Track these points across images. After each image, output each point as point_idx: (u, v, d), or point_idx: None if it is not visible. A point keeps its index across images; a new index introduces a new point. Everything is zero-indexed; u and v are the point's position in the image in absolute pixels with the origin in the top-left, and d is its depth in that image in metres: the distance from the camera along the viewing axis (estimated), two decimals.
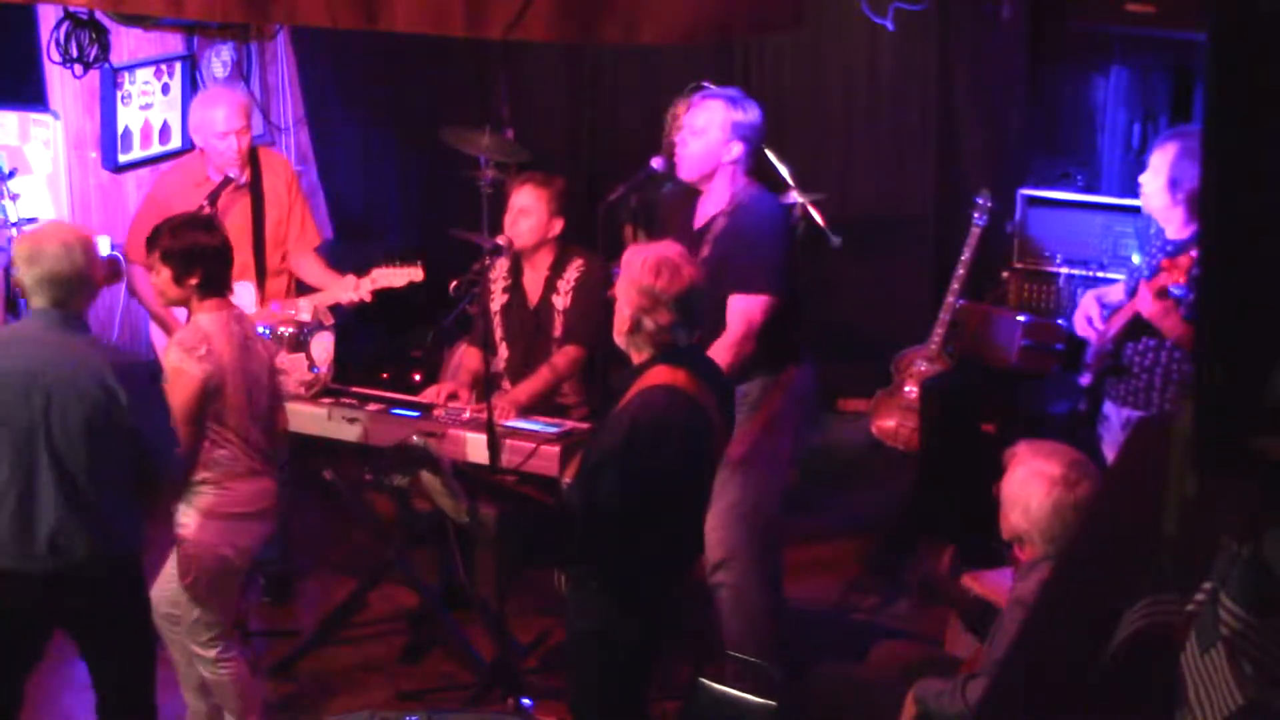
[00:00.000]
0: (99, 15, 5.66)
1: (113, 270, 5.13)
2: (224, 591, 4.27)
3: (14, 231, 5.33)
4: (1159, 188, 4.29)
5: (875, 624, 5.27)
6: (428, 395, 5.08)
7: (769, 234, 4.42)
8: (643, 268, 3.52)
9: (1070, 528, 3.43)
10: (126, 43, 6.26)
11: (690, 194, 4.63)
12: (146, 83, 6.31)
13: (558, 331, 5.04)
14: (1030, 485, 3.53)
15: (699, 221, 4.52)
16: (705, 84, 5.80)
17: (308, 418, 4.91)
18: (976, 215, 6.16)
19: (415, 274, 5.18)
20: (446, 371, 5.56)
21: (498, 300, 5.16)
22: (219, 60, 6.89)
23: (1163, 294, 4.12)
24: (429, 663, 5.08)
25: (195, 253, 4.08)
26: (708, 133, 4.42)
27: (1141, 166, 4.41)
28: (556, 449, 4.56)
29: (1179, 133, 4.45)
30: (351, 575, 5.45)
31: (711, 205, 4.51)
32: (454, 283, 4.91)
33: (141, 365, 3.86)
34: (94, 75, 5.95)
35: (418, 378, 6.20)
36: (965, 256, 6.16)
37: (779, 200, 4.73)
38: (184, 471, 4.07)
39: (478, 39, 4.33)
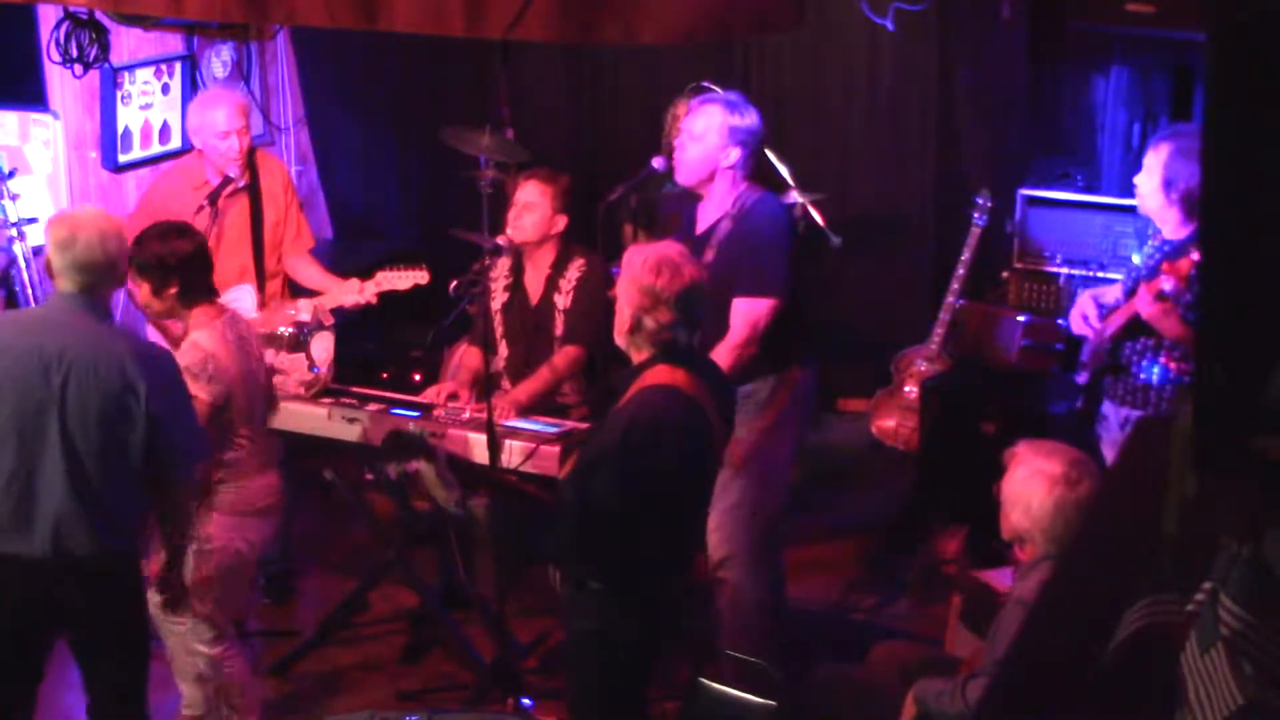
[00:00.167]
0: (99, 15, 5.66)
1: None
2: (236, 588, 4.32)
3: (14, 231, 5.34)
4: (1154, 188, 4.29)
5: (875, 624, 5.27)
6: (428, 395, 5.08)
7: (773, 237, 4.43)
8: (644, 267, 3.52)
9: (1072, 526, 3.43)
10: (126, 43, 6.26)
11: (690, 195, 4.63)
12: (146, 83, 6.31)
13: (559, 330, 5.04)
14: (1031, 484, 3.53)
15: (701, 225, 4.51)
16: (705, 84, 5.80)
17: (308, 418, 4.91)
18: (976, 215, 6.16)
19: (420, 276, 5.18)
20: (446, 371, 5.56)
21: (499, 298, 5.16)
22: (219, 60, 6.89)
23: (1162, 296, 4.12)
24: (429, 663, 5.08)
25: (169, 263, 4.07)
26: (705, 138, 4.42)
27: (1141, 167, 4.40)
28: (556, 449, 4.56)
29: (1173, 132, 4.45)
30: (351, 575, 5.45)
31: (714, 210, 4.51)
32: (454, 283, 4.91)
33: (165, 355, 3.85)
34: (94, 75, 5.96)
35: (418, 378, 6.20)
36: (965, 256, 6.16)
37: (782, 202, 4.73)
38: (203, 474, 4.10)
39: (478, 39, 4.33)
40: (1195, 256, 4.12)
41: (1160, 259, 4.27)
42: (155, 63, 6.37)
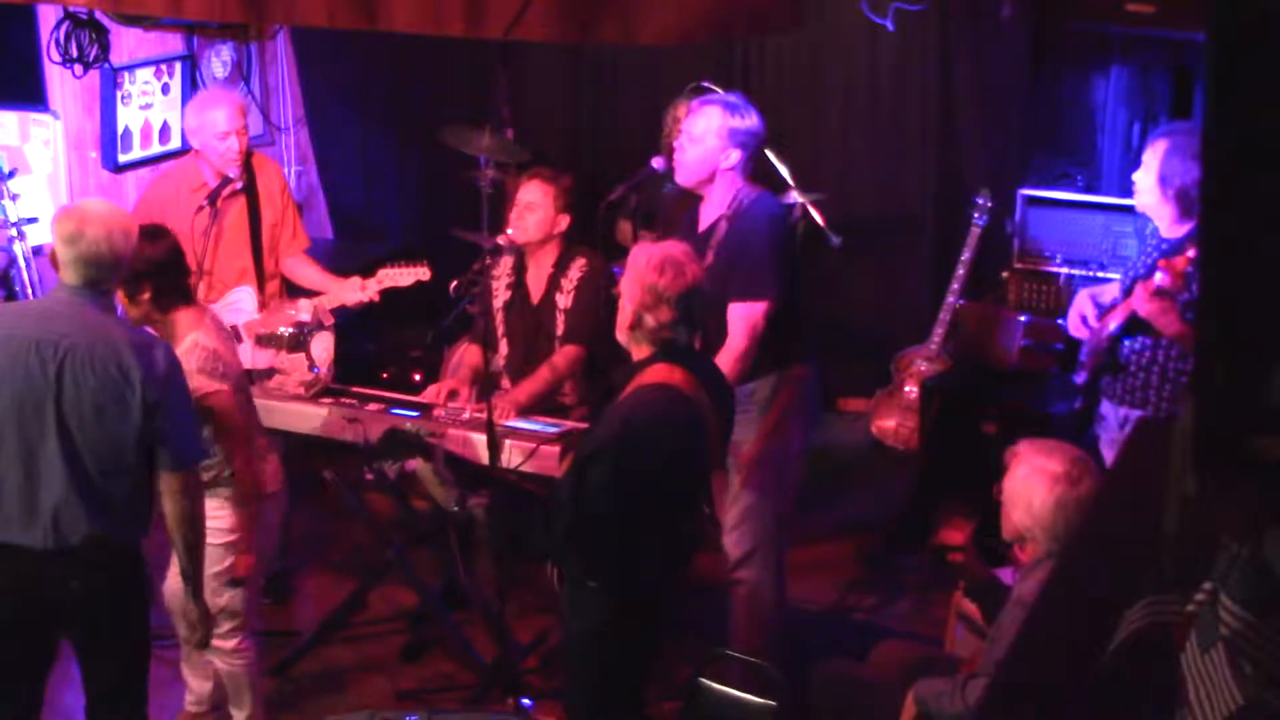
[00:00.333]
0: (99, 15, 5.67)
1: None
2: (254, 578, 4.32)
3: (14, 231, 5.34)
4: (1150, 185, 4.30)
5: (875, 624, 5.27)
6: (428, 394, 5.08)
7: (766, 237, 4.42)
8: (648, 265, 3.54)
9: (1073, 524, 3.43)
10: (126, 43, 6.26)
11: (692, 194, 4.63)
12: (146, 83, 6.31)
13: (559, 329, 5.04)
14: (1032, 483, 3.53)
15: (702, 225, 4.52)
16: (705, 84, 5.81)
17: (308, 418, 4.91)
18: (976, 215, 6.16)
19: (422, 273, 5.18)
20: (447, 371, 5.56)
21: (500, 296, 5.16)
22: (219, 60, 6.90)
23: (1159, 293, 4.12)
24: (429, 663, 5.08)
25: (140, 269, 4.02)
26: (705, 139, 4.42)
27: (1140, 165, 4.41)
28: (556, 449, 4.56)
29: (1168, 130, 4.45)
30: (351, 575, 5.45)
31: (713, 210, 4.51)
32: (454, 283, 4.92)
33: (164, 346, 3.84)
34: (94, 75, 5.96)
35: (418, 378, 6.20)
36: (965, 256, 6.16)
37: (779, 201, 4.73)
38: (244, 469, 4.15)
39: (478, 39, 4.33)
40: (1191, 253, 4.12)
41: (1157, 257, 4.27)
42: (155, 63, 6.37)
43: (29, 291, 5.36)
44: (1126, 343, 4.36)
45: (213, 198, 5.14)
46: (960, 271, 6.15)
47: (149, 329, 4.14)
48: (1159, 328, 4.19)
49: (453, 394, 5.01)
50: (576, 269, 5.05)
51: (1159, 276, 4.13)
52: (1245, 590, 1.63)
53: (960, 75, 6.60)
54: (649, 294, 3.52)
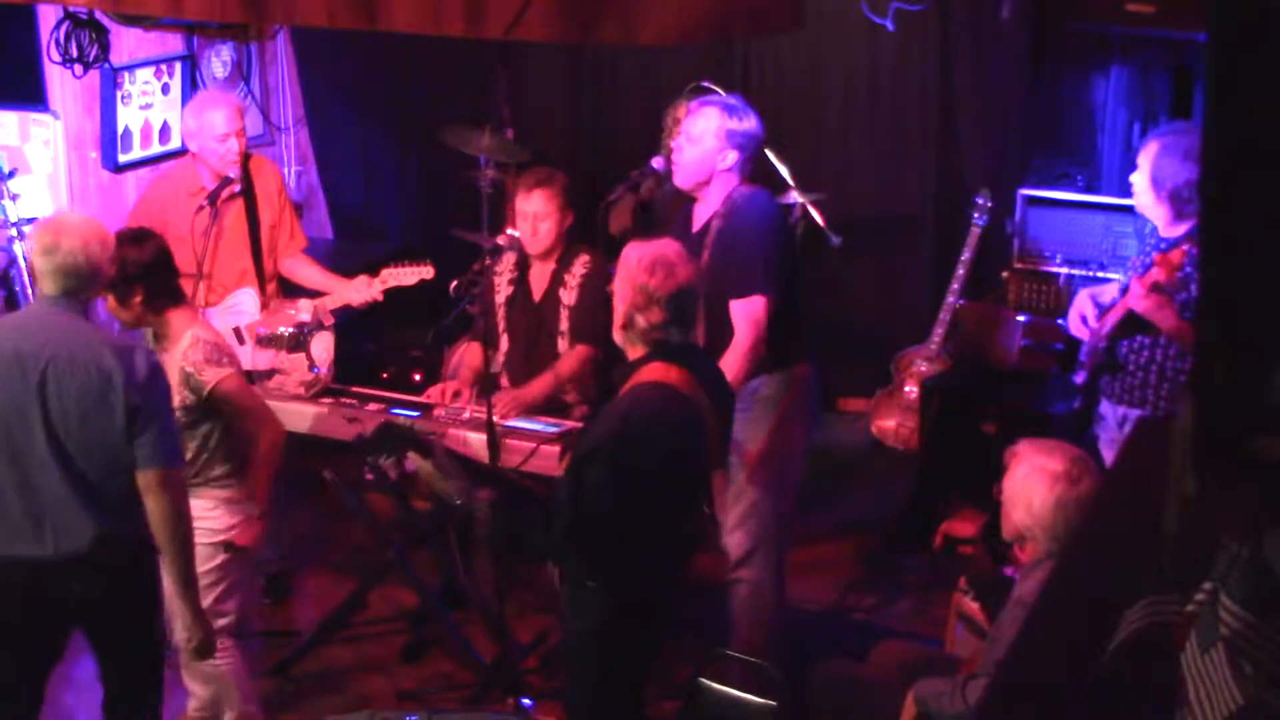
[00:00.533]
0: (99, 15, 5.67)
1: None
2: (247, 580, 4.34)
3: (14, 231, 5.34)
4: (1144, 186, 4.31)
5: (875, 624, 5.27)
6: (431, 394, 5.08)
7: (759, 232, 4.41)
8: (638, 265, 3.53)
9: (1073, 523, 3.43)
10: (126, 43, 6.26)
11: (687, 195, 4.62)
12: (146, 83, 6.31)
13: (563, 326, 5.04)
14: (1032, 482, 3.53)
15: (696, 225, 4.51)
16: (705, 84, 5.80)
17: (308, 418, 4.91)
18: (976, 215, 6.16)
19: (426, 272, 5.18)
20: (447, 370, 5.56)
21: (503, 293, 5.16)
22: (219, 60, 6.90)
23: (1155, 288, 4.13)
24: (429, 663, 5.08)
25: (130, 271, 4.08)
26: (702, 141, 4.42)
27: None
28: (556, 449, 4.56)
29: (1161, 132, 4.46)
30: (351, 575, 5.45)
31: (707, 210, 4.51)
32: (454, 283, 4.92)
33: (145, 350, 3.85)
34: (94, 75, 5.96)
35: (418, 378, 6.20)
36: (965, 256, 6.16)
37: (773, 197, 4.72)
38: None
39: (478, 39, 4.33)
40: (1186, 248, 4.13)
41: (1154, 254, 4.28)
42: (155, 63, 6.37)
43: (29, 292, 5.36)
44: (1125, 342, 4.36)
45: (213, 198, 5.14)
46: (960, 271, 6.15)
47: (139, 332, 4.17)
48: (1156, 323, 4.20)
49: (455, 395, 5.01)
50: (580, 265, 5.05)
51: (1154, 272, 4.13)
52: (1245, 590, 1.63)
53: (960, 75, 6.60)
54: (640, 294, 3.51)
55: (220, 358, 4.15)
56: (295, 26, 6.99)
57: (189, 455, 4.17)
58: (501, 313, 5.16)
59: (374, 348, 6.41)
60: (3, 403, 3.65)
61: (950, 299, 6.17)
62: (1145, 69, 6.12)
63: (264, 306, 5.27)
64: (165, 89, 6.40)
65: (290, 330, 5.09)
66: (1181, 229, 4.27)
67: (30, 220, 5.54)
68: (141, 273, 4.10)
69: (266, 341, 5.09)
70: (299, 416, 4.91)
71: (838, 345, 6.22)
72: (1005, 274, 6.09)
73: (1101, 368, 4.42)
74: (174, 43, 6.54)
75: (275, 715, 4.71)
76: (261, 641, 5.25)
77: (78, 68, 5.73)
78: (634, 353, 3.60)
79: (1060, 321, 5.44)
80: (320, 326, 5.12)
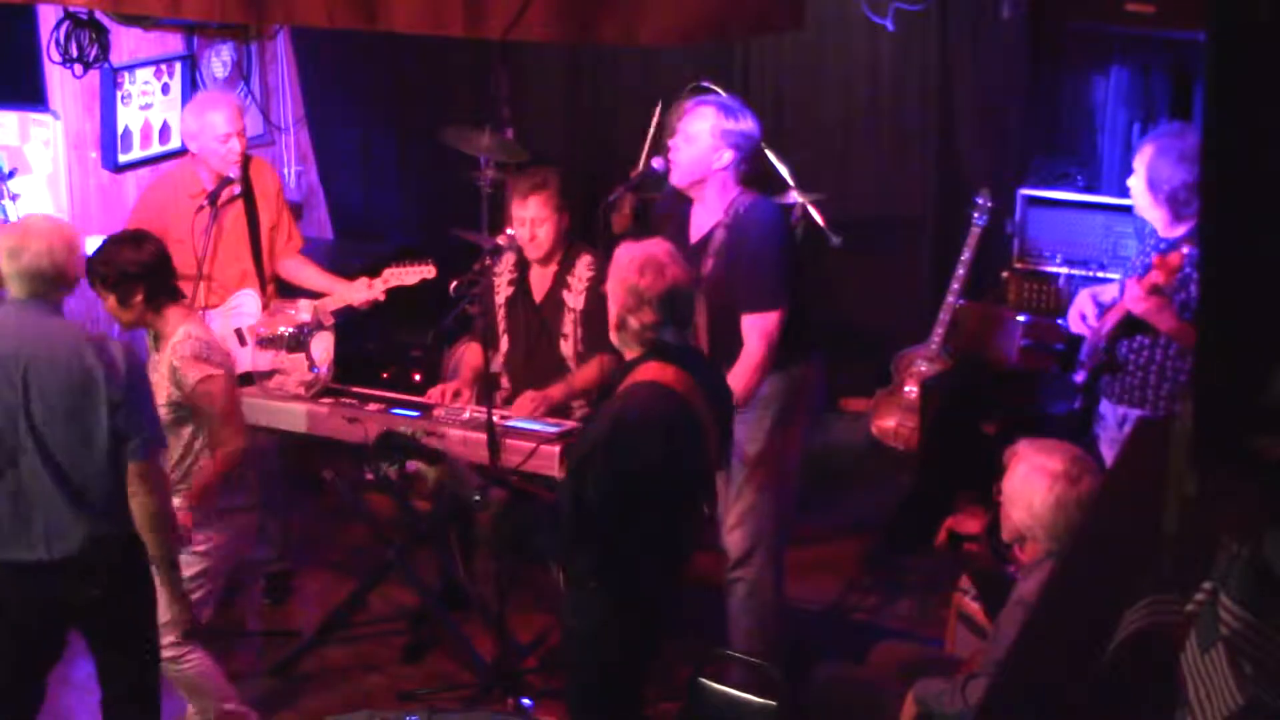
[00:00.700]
0: (99, 15, 5.66)
1: None
2: (216, 590, 4.35)
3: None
4: (1141, 190, 4.31)
5: (875, 624, 5.27)
6: (433, 395, 5.08)
7: (772, 245, 4.41)
8: (629, 266, 3.53)
9: (1073, 523, 3.43)
10: (126, 43, 6.26)
11: (685, 198, 4.61)
12: (146, 83, 6.31)
13: (565, 328, 5.03)
14: (1032, 481, 3.53)
15: (696, 233, 4.50)
16: (705, 84, 5.80)
17: (308, 418, 4.91)
18: (976, 215, 6.16)
19: (427, 271, 5.18)
20: (447, 370, 5.56)
21: (503, 293, 5.15)
22: (219, 60, 6.90)
23: (1154, 290, 4.13)
24: (429, 663, 5.09)
25: (131, 271, 4.12)
26: (698, 139, 4.42)
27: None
28: (556, 449, 4.56)
29: (1155, 135, 4.47)
30: (351, 575, 5.46)
31: (707, 216, 4.49)
32: (454, 283, 4.92)
33: (123, 343, 3.87)
34: (94, 75, 5.96)
35: (418, 378, 6.20)
36: (965, 256, 6.16)
37: (777, 205, 4.72)
38: (236, 461, 4.19)
39: (478, 39, 4.33)
40: (1185, 250, 4.13)
41: (1153, 255, 4.28)
42: (155, 63, 6.37)
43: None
44: (1125, 342, 4.37)
45: (213, 198, 5.14)
46: (960, 271, 6.15)
47: (141, 332, 4.18)
48: (1154, 324, 4.20)
49: (455, 395, 5.01)
50: (584, 267, 5.02)
51: (1153, 274, 4.14)
52: (1245, 590, 1.63)
53: (960, 75, 6.60)
54: (631, 295, 3.51)
55: (209, 355, 4.15)
56: (295, 26, 6.98)
57: (173, 459, 4.18)
58: (501, 313, 5.16)
59: (374, 348, 6.41)
60: None
61: (950, 299, 6.17)
62: (1145, 69, 6.11)
63: (264, 307, 5.27)
64: (165, 89, 6.40)
65: (290, 331, 5.09)
66: (1181, 230, 4.27)
67: None
68: (142, 272, 4.12)
69: (267, 342, 5.09)
70: (299, 416, 4.91)
71: (838, 345, 6.20)
72: (1005, 274, 6.09)
73: (1101, 367, 4.42)
74: (174, 43, 6.54)
75: (275, 715, 4.71)
76: (262, 641, 5.27)
77: (78, 68, 5.73)
78: (630, 353, 3.60)
79: (1060, 321, 5.44)
80: (320, 327, 5.12)
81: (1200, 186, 3.36)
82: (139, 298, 4.13)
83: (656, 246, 3.62)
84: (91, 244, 4.40)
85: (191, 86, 6.50)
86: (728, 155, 4.42)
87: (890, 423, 6.40)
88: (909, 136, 6.81)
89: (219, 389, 4.16)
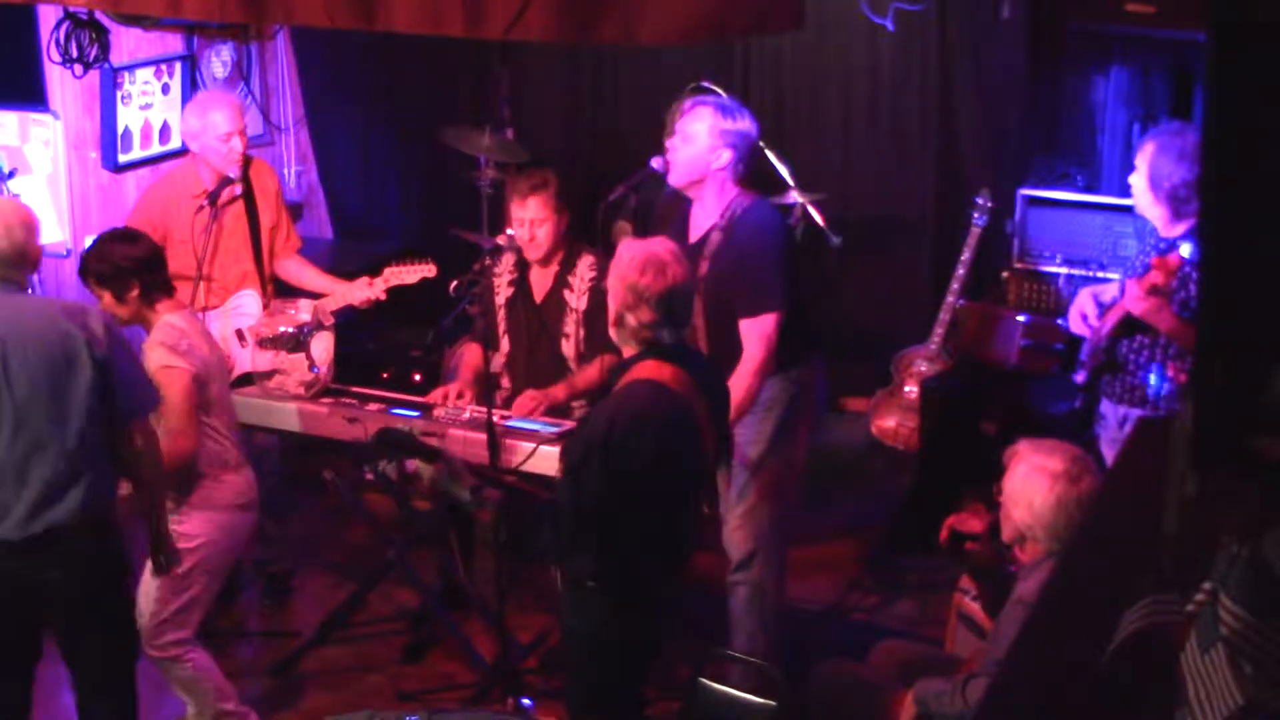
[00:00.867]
0: (99, 15, 5.67)
1: None
2: (213, 585, 4.31)
3: None
4: (1142, 188, 4.31)
5: (875, 624, 5.27)
6: (435, 396, 5.08)
7: (769, 248, 4.40)
8: (630, 264, 3.52)
9: (1073, 522, 3.44)
10: (126, 43, 6.26)
11: (684, 197, 4.61)
12: (146, 83, 6.32)
13: (567, 328, 5.03)
14: (1033, 481, 3.53)
15: (694, 234, 4.49)
16: (705, 84, 5.80)
17: (308, 418, 4.91)
18: (976, 215, 6.16)
19: (428, 270, 5.18)
20: (447, 370, 5.55)
21: (503, 294, 5.15)
22: (219, 60, 6.90)
23: (1153, 290, 4.13)
24: (429, 663, 5.08)
25: (126, 267, 4.12)
26: (696, 139, 4.42)
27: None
28: (556, 449, 4.56)
29: (1157, 132, 4.47)
30: (351, 575, 5.46)
31: (705, 217, 4.49)
32: (454, 283, 4.91)
33: (92, 309, 3.88)
34: (94, 75, 5.96)
35: (418, 378, 6.20)
36: (965, 256, 6.16)
37: (774, 207, 4.71)
38: (187, 466, 4.15)
39: (478, 39, 4.33)
40: (1186, 253, 4.13)
41: (1153, 255, 4.28)
42: (155, 63, 6.37)
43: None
44: (1125, 341, 4.37)
45: (213, 197, 5.14)
46: (960, 271, 6.15)
47: (138, 329, 4.18)
48: (1155, 325, 4.20)
49: (459, 396, 5.01)
50: (586, 267, 5.01)
51: (1152, 274, 4.14)
52: (1245, 590, 1.63)
53: (960, 75, 6.60)
54: (630, 293, 3.50)
55: (179, 345, 4.13)
56: (295, 26, 6.98)
57: None
58: (501, 314, 5.15)
59: (374, 348, 6.41)
60: None
61: (950, 299, 6.17)
62: (1145, 69, 6.12)
63: (264, 308, 5.27)
64: (165, 89, 6.40)
65: (290, 331, 5.09)
66: (1181, 228, 4.27)
67: None
68: (139, 267, 4.13)
69: (267, 342, 5.09)
70: (299, 416, 4.91)
71: (838, 345, 6.20)
72: (1005, 274, 6.09)
73: (1102, 367, 4.42)
74: (174, 43, 6.54)
75: (275, 715, 4.71)
76: (262, 641, 5.27)
77: (78, 68, 5.73)
78: (627, 351, 3.59)
79: (1060, 321, 5.44)
80: (320, 327, 5.12)
81: (1200, 186, 3.37)
82: (134, 293, 4.13)
83: (660, 245, 3.61)
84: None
85: (191, 86, 6.50)
86: (725, 155, 4.41)
87: (890, 423, 6.40)
88: (909, 136, 6.81)
89: (176, 384, 4.10)
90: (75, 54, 5.71)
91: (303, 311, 5.15)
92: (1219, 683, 1.65)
